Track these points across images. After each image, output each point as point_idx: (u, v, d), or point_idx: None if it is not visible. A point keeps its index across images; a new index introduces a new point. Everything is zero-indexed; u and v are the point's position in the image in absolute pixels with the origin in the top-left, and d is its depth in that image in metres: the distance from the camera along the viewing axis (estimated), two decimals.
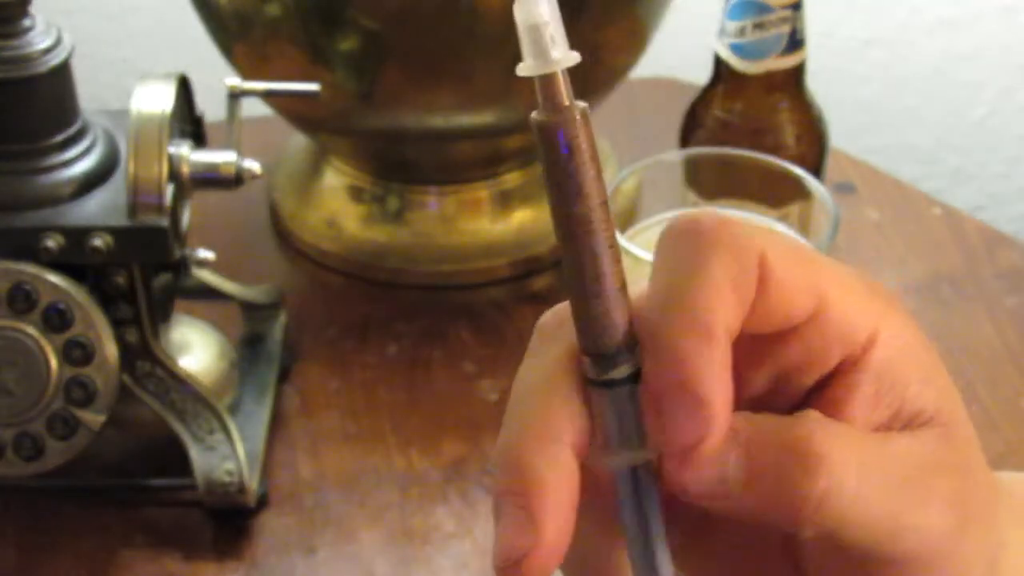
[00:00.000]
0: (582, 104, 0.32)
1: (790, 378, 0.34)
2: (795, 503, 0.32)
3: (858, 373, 0.33)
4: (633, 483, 0.34)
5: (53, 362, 0.69)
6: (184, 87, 0.73)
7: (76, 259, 0.69)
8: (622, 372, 0.33)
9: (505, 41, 0.81)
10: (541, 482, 0.32)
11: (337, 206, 0.92)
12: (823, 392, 0.34)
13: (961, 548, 0.34)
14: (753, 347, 0.34)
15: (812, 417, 0.32)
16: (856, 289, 0.34)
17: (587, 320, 0.33)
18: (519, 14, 0.32)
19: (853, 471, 0.32)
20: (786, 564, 0.37)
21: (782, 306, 0.33)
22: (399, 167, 0.90)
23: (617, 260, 0.33)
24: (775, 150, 0.77)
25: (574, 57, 0.32)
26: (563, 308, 0.35)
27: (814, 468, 0.32)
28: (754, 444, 0.32)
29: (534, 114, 0.33)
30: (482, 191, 0.90)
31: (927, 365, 0.34)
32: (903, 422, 0.34)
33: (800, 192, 0.74)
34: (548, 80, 0.33)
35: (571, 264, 0.33)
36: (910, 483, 0.33)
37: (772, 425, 0.32)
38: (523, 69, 0.33)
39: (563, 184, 0.32)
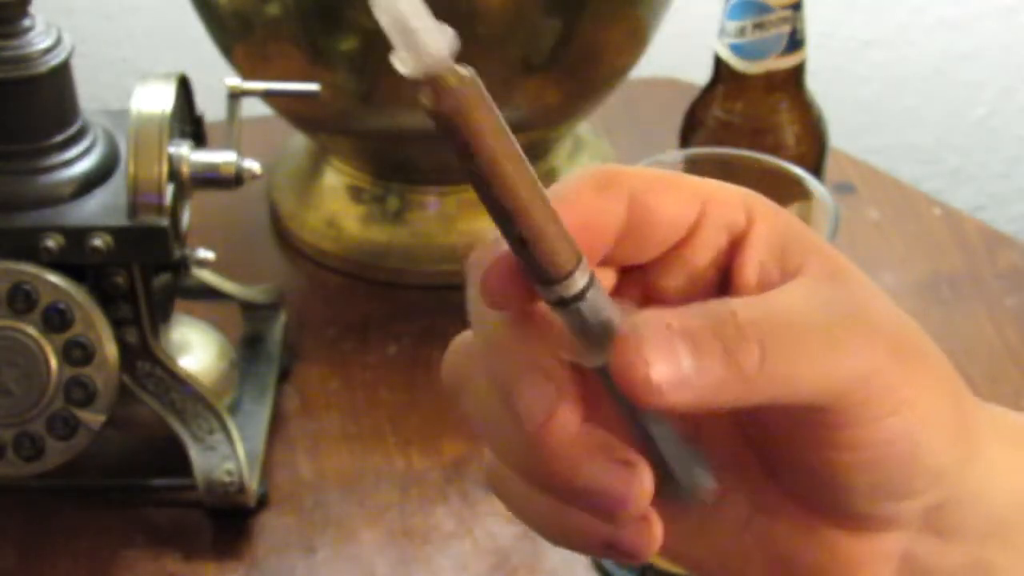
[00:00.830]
0: (468, 74, 0.34)
1: (696, 270, 0.39)
2: (741, 374, 0.34)
3: (746, 247, 0.38)
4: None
5: (53, 362, 0.69)
6: (184, 87, 0.73)
7: (76, 259, 0.69)
8: (573, 289, 0.35)
9: (505, 41, 0.81)
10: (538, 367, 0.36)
11: (337, 206, 0.92)
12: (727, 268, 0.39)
13: (892, 376, 0.36)
14: (666, 260, 0.39)
15: (728, 299, 0.36)
16: (728, 187, 0.39)
17: (530, 255, 0.35)
18: (380, 12, 0.32)
19: (774, 331, 0.35)
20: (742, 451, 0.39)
21: (667, 224, 0.38)
22: (399, 167, 0.90)
23: (543, 196, 0.35)
24: (775, 150, 0.77)
25: (450, 39, 0.33)
26: (488, 245, 0.38)
27: (747, 336, 0.35)
28: (695, 334, 0.35)
29: (424, 98, 0.33)
30: None
31: (791, 228, 0.39)
32: (790, 279, 0.38)
33: (800, 192, 0.74)
34: (433, 77, 0.33)
35: (504, 211, 0.35)
36: (815, 328, 0.36)
37: (700, 311, 0.35)
38: (402, 66, 0.32)
39: (478, 154, 0.34)
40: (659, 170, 0.39)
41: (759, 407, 0.36)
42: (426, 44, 0.32)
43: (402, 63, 0.32)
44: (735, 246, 0.38)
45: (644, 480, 0.35)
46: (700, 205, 0.38)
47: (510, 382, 0.36)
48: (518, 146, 0.34)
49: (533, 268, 0.35)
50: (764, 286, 0.38)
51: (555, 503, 0.37)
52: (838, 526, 0.38)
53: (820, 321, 0.36)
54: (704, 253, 0.38)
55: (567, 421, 0.35)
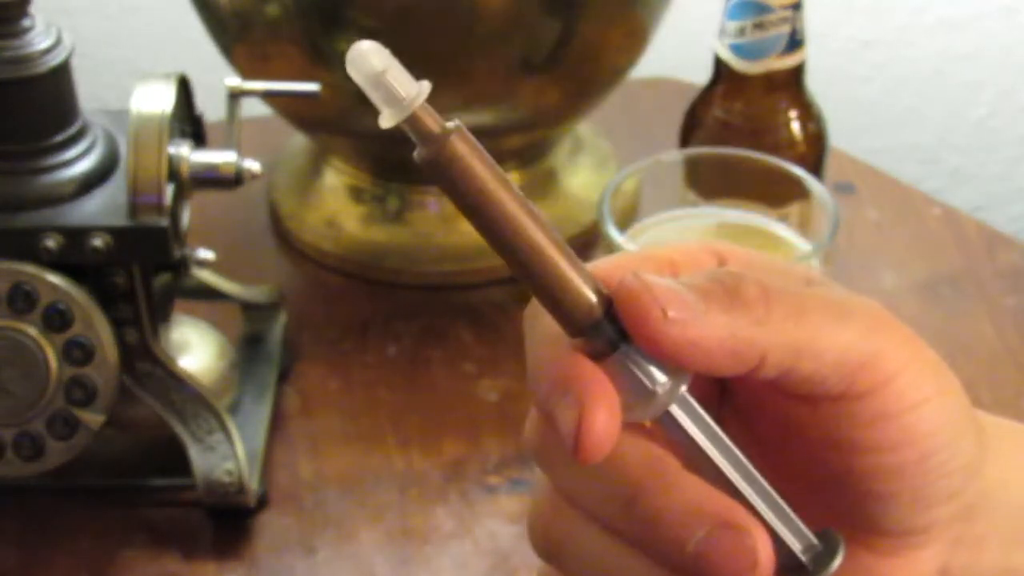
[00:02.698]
0: (453, 124, 0.34)
1: None
2: (750, 314, 0.35)
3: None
4: (685, 413, 0.35)
5: (53, 362, 0.69)
6: (184, 87, 0.73)
7: (76, 259, 0.69)
8: (606, 335, 0.35)
9: (505, 41, 0.81)
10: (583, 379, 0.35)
11: (337, 206, 0.92)
12: None
13: (914, 365, 0.36)
14: None
15: (730, 269, 0.37)
16: (689, 245, 0.39)
17: (560, 304, 0.34)
18: (355, 73, 0.32)
19: (776, 290, 0.36)
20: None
21: None
22: (399, 167, 0.90)
23: (556, 242, 0.34)
24: (775, 150, 0.77)
25: (424, 89, 0.33)
26: (539, 318, 0.37)
27: (749, 283, 0.35)
28: (699, 286, 0.35)
29: (416, 154, 0.34)
30: None
31: (777, 265, 0.39)
32: None
33: (800, 192, 0.74)
34: (413, 120, 0.34)
35: (519, 267, 0.34)
36: (821, 301, 0.36)
37: (697, 275, 0.36)
38: (385, 120, 0.33)
39: (478, 205, 0.34)
40: (620, 254, 0.39)
41: (778, 377, 0.36)
42: (398, 93, 0.32)
43: (384, 119, 0.33)
44: None
45: (760, 547, 0.35)
46: (670, 273, 0.38)
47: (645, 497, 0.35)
48: (515, 188, 0.34)
49: (558, 316, 0.35)
50: None
51: None
52: (875, 551, 0.38)
53: (823, 296, 0.36)
54: None
55: (768, 570, 0.35)
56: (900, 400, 0.36)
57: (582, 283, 0.34)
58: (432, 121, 0.33)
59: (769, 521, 0.36)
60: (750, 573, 0.34)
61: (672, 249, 0.38)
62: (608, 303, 0.35)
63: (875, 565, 0.38)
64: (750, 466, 0.36)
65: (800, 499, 0.38)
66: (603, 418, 0.34)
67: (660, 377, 0.35)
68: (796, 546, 0.37)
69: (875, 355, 0.36)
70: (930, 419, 0.36)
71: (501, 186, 0.34)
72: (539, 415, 0.37)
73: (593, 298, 0.34)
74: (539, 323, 0.36)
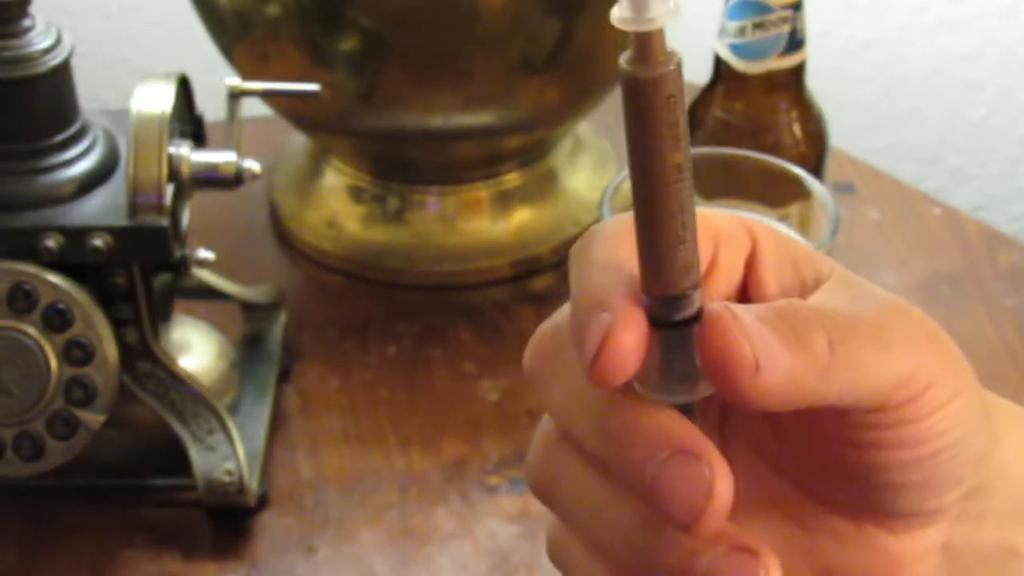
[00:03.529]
0: (678, 55, 0.32)
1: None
2: (815, 362, 0.34)
3: (758, 267, 0.38)
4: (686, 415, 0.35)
5: (53, 362, 0.69)
6: (184, 87, 0.73)
7: (76, 259, 0.69)
8: (691, 309, 0.34)
9: (505, 41, 0.81)
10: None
11: (337, 206, 0.92)
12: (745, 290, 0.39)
13: (935, 367, 0.36)
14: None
15: (783, 302, 0.36)
16: (727, 214, 0.39)
17: (669, 264, 0.34)
18: None
19: (835, 323, 0.35)
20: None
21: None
22: (399, 167, 0.90)
23: (692, 190, 0.34)
24: (775, 150, 0.77)
25: (673, 9, 0.32)
26: (595, 248, 0.37)
27: (813, 326, 0.35)
28: (770, 321, 0.35)
29: (627, 65, 0.32)
30: (482, 191, 0.90)
31: (796, 245, 0.39)
32: (811, 289, 0.38)
33: (800, 192, 0.74)
34: (647, 34, 0.32)
35: (659, 212, 0.33)
36: (866, 325, 0.36)
37: (763, 307, 0.35)
38: (623, 20, 0.32)
39: (662, 135, 0.32)
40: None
41: (820, 410, 0.35)
42: (649, 4, 0.31)
43: (620, 13, 0.32)
44: (748, 269, 0.39)
45: (771, 571, 0.35)
46: (713, 241, 0.38)
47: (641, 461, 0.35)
48: (689, 145, 0.33)
49: (663, 272, 0.34)
50: (786, 296, 0.38)
51: None
52: (881, 528, 0.38)
53: (868, 318, 0.36)
54: (724, 286, 0.38)
55: (724, 505, 0.34)
56: (928, 405, 0.36)
57: (697, 249, 0.34)
58: (661, 45, 0.32)
59: None
60: (703, 503, 0.34)
61: (715, 217, 0.38)
62: (699, 280, 0.34)
63: (883, 541, 0.39)
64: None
65: (809, 477, 0.38)
66: (631, 341, 0.34)
67: (690, 377, 0.35)
68: None
69: (912, 375, 0.36)
70: (951, 417, 0.36)
71: (680, 129, 0.33)
72: (549, 336, 0.38)
73: (698, 269, 0.34)
74: (596, 255, 0.36)
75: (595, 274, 0.36)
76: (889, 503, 0.38)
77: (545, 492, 0.39)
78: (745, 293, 0.39)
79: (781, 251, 0.39)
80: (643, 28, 0.32)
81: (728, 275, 0.38)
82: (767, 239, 0.39)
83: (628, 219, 0.35)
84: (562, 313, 0.38)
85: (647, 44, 0.32)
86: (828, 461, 0.38)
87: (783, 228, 0.41)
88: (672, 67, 0.32)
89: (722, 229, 0.38)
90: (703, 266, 0.37)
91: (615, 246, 0.36)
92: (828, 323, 0.35)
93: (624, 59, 0.32)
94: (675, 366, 0.35)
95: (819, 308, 0.36)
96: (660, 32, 0.32)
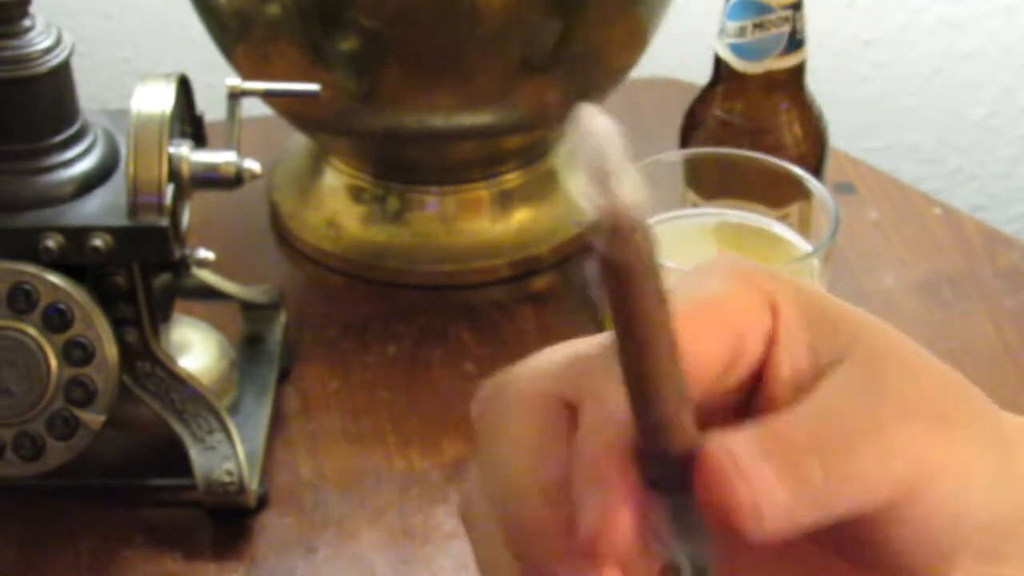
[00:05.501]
0: (641, 225, 0.31)
1: (732, 387, 0.37)
2: (810, 492, 0.34)
3: (774, 345, 0.37)
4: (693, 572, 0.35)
5: (53, 362, 0.69)
6: (184, 87, 0.73)
7: (76, 259, 0.69)
8: (660, 473, 0.34)
9: (505, 41, 0.81)
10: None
11: (337, 206, 0.92)
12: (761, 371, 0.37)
13: (935, 453, 0.36)
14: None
15: (770, 418, 0.35)
16: (750, 294, 0.37)
17: (660, 428, 0.33)
18: (583, 148, 0.31)
19: (828, 443, 0.35)
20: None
21: (708, 369, 0.36)
22: (399, 167, 0.90)
23: (678, 360, 0.33)
24: (775, 150, 0.77)
25: (642, 199, 0.31)
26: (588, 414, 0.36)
27: (804, 453, 0.34)
28: (770, 455, 0.34)
29: (598, 246, 0.31)
30: (482, 191, 0.90)
31: (823, 311, 0.38)
32: (824, 370, 0.37)
33: (800, 192, 0.74)
34: (615, 222, 0.31)
35: (636, 374, 0.33)
36: (863, 430, 0.35)
37: (753, 435, 0.34)
38: (586, 211, 0.31)
39: (632, 316, 0.32)
40: (687, 301, 0.36)
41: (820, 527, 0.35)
42: (620, 193, 0.31)
43: (589, 203, 0.31)
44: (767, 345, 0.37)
45: None
46: (732, 336, 0.36)
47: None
48: (672, 317, 0.33)
49: (655, 443, 0.34)
50: (798, 382, 0.37)
51: None
52: None
53: (866, 419, 0.35)
54: (746, 371, 0.37)
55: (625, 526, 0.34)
56: (934, 503, 0.36)
57: (690, 413, 0.33)
58: (636, 228, 0.31)
59: None
60: None
61: (734, 304, 0.37)
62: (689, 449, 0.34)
63: None
64: None
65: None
66: (627, 523, 0.34)
67: (689, 554, 0.34)
68: None
69: (911, 477, 0.35)
70: (961, 507, 0.36)
71: (662, 306, 0.32)
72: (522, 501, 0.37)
73: (694, 431, 0.33)
74: (598, 414, 0.35)
75: (596, 435, 0.35)
76: (894, 564, 0.37)
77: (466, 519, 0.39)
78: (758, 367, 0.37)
79: (799, 328, 0.37)
80: (610, 220, 0.31)
81: (750, 361, 0.37)
82: (788, 312, 0.37)
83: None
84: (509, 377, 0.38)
85: (619, 225, 0.31)
86: (836, 538, 0.37)
87: (808, 282, 0.39)
88: (644, 237, 0.31)
89: (742, 319, 0.37)
90: (725, 363, 0.36)
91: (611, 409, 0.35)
92: (822, 442, 0.34)
93: (597, 240, 0.31)
94: (686, 520, 0.34)
95: (815, 420, 0.35)
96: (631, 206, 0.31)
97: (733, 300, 0.37)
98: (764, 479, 0.33)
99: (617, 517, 0.33)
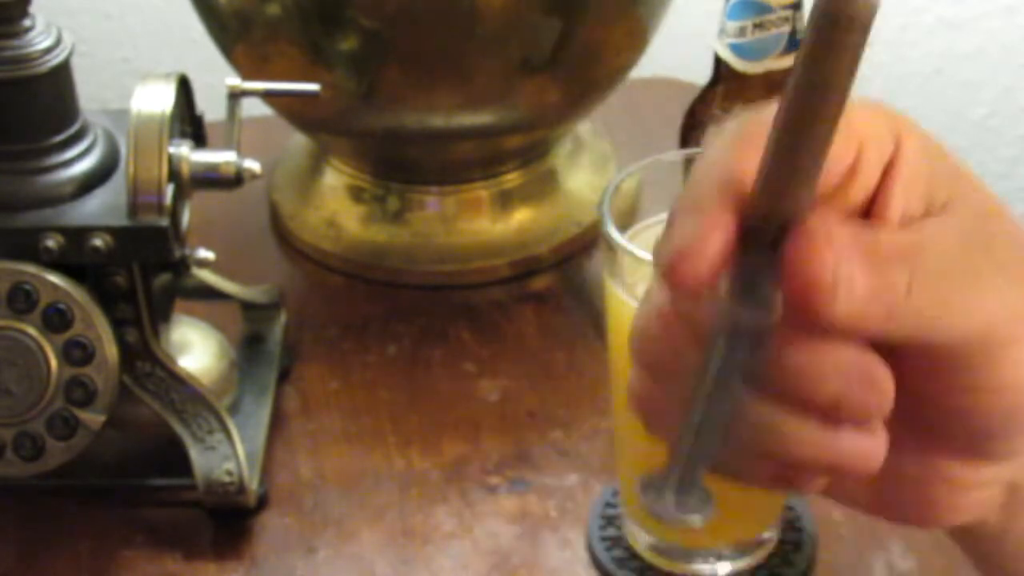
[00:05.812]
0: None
1: (851, 208, 0.39)
2: (890, 297, 0.35)
3: (891, 177, 0.38)
4: (738, 340, 0.36)
5: (53, 362, 0.69)
6: (184, 87, 0.73)
7: (76, 259, 0.69)
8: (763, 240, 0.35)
9: (505, 41, 0.81)
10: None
11: (337, 206, 0.92)
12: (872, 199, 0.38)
13: (1013, 320, 0.37)
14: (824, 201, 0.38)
15: (876, 226, 0.36)
16: (876, 118, 0.38)
17: (794, 190, 0.34)
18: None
19: (921, 262, 0.36)
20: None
21: (828, 171, 0.37)
22: (399, 167, 0.91)
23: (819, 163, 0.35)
24: None
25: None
26: (720, 152, 0.37)
27: (894, 261, 0.35)
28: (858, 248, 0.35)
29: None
30: (482, 191, 0.90)
31: (941, 161, 0.39)
32: (936, 212, 0.38)
33: None
34: None
35: (811, 138, 0.34)
36: (957, 266, 0.36)
37: (869, 237, 0.36)
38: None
39: (839, 57, 0.33)
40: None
41: (900, 344, 0.36)
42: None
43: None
44: (883, 174, 0.38)
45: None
46: (857, 146, 0.38)
47: None
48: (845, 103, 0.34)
49: (784, 188, 0.34)
50: (906, 219, 0.38)
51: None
52: (959, 460, 0.39)
53: (967, 262, 0.36)
54: (860, 193, 0.38)
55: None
56: (1006, 360, 0.37)
57: (804, 193, 0.34)
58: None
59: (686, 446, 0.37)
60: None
61: (860, 118, 0.37)
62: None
63: (958, 470, 0.39)
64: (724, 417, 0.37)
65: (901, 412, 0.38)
66: (714, 251, 0.35)
67: (764, 302, 0.35)
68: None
69: (989, 330, 0.36)
70: None
71: (850, 77, 0.33)
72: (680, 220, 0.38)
73: (789, 203, 0.34)
74: (719, 157, 0.36)
75: (705, 177, 0.36)
76: (974, 442, 0.38)
77: (654, 364, 0.39)
78: (873, 198, 0.38)
79: (919, 163, 0.38)
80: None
81: (865, 181, 0.38)
82: (909, 145, 0.38)
83: (759, 133, 0.35)
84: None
85: None
86: (921, 397, 0.38)
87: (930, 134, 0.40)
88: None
89: (867, 135, 0.38)
90: (842, 171, 0.37)
91: (739, 157, 0.36)
92: (917, 262, 0.35)
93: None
94: (757, 284, 0.35)
95: (917, 243, 0.36)
96: None
97: (859, 115, 0.37)
98: (851, 265, 0.34)
99: (708, 238, 0.34)
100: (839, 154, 0.37)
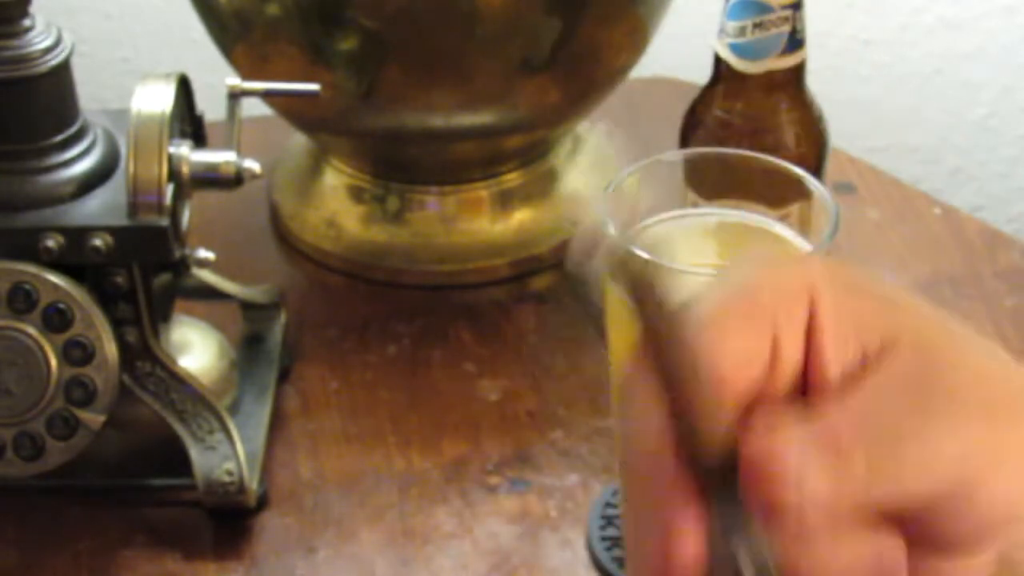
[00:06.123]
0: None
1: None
2: (854, 484, 0.34)
3: (817, 333, 0.36)
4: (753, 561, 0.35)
5: (53, 362, 0.69)
6: (184, 87, 0.73)
7: (76, 259, 0.69)
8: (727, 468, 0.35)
9: (505, 41, 0.81)
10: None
11: (337, 206, 0.92)
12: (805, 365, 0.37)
13: (987, 448, 0.36)
14: None
15: (817, 408, 0.35)
16: (781, 283, 0.37)
17: (694, 434, 0.35)
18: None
19: (874, 437, 0.35)
20: None
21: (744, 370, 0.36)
22: (399, 167, 0.90)
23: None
24: (775, 150, 0.77)
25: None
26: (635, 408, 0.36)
27: (852, 454, 0.34)
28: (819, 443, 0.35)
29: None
30: (482, 191, 0.90)
31: (872, 300, 0.38)
32: (875, 355, 0.36)
33: (800, 192, 0.74)
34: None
35: (669, 386, 0.35)
36: (902, 426, 0.35)
37: (817, 430, 0.35)
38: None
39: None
40: (724, 298, 0.37)
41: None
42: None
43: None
44: (807, 335, 0.37)
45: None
46: (770, 330, 0.36)
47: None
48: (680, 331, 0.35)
49: (694, 448, 0.35)
50: (844, 367, 0.36)
51: None
52: (938, 555, 0.38)
53: (909, 411, 0.35)
54: (789, 369, 0.37)
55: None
56: (979, 504, 0.36)
57: (714, 429, 0.35)
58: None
59: None
60: None
61: (769, 296, 0.36)
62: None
63: (938, 564, 0.38)
64: None
65: None
66: (691, 557, 0.34)
67: (748, 548, 0.35)
68: None
69: (959, 477, 0.35)
70: (1009, 507, 0.36)
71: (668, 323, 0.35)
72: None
73: (710, 445, 0.34)
74: (642, 410, 0.36)
75: (645, 442, 0.35)
76: (946, 551, 0.37)
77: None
78: (805, 364, 0.37)
79: (842, 310, 0.37)
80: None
81: (790, 359, 0.36)
82: (825, 295, 0.37)
83: (649, 389, 0.35)
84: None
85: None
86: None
87: (845, 265, 0.39)
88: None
89: (778, 311, 0.36)
90: (764, 364, 0.36)
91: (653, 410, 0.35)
92: (867, 435, 0.35)
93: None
94: (741, 518, 0.35)
95: (862, 413, 0.35)
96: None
97: (768, 289, 0.37)
98: (806, 473, 0.34)
99: (678, 548, 0.34)
100: (754, 351, 0.36)
